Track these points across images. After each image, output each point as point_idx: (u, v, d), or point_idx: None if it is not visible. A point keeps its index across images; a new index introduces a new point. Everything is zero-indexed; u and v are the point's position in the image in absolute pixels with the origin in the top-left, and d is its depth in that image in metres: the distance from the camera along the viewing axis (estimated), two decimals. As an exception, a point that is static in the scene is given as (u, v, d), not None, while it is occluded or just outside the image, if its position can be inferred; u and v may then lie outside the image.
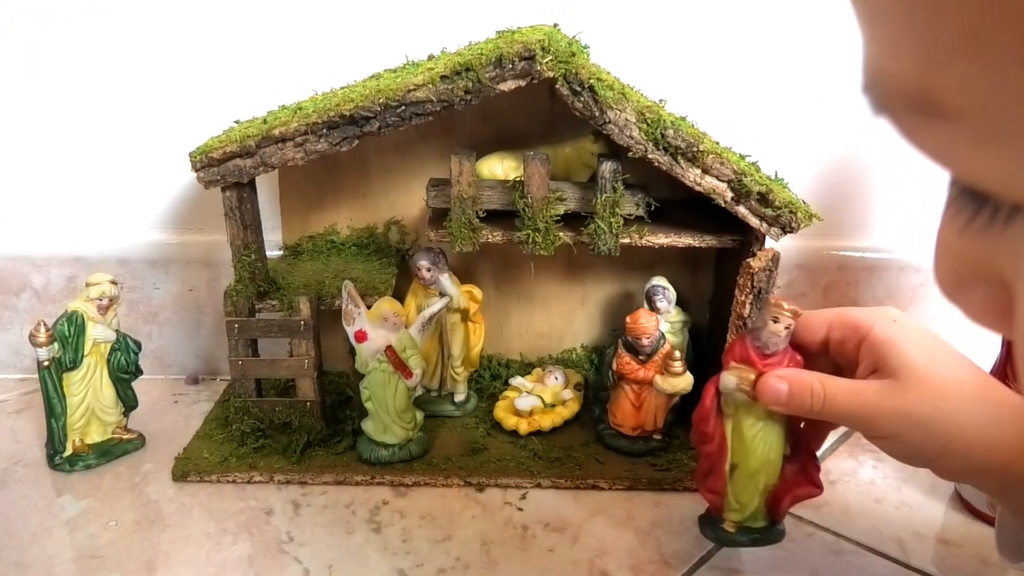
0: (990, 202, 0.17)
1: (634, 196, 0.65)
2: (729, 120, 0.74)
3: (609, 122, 0.60)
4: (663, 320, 0.71)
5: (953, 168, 0.16)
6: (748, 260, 0.65)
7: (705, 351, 0.78)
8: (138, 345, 0.71)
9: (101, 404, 0.70)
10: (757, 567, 0.59)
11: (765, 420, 0.53)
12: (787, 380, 0.49)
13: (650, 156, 0.61)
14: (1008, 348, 0.62)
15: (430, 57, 0.67)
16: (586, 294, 0.81)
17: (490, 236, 0.66)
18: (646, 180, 0.66)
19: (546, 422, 0.72)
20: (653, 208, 0.65)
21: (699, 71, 0.75)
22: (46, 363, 0.66)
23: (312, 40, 0.75)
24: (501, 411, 0.73)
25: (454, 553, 0.60)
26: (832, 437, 0.74)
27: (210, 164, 0.63)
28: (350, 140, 0.62)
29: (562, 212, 0.65)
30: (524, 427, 0.71)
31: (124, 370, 0.70)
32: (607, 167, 0.63)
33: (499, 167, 0.67)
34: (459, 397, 0.76)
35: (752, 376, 0.51)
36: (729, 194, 0.63)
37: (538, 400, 0.73)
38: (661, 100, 0.64)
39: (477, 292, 0.75)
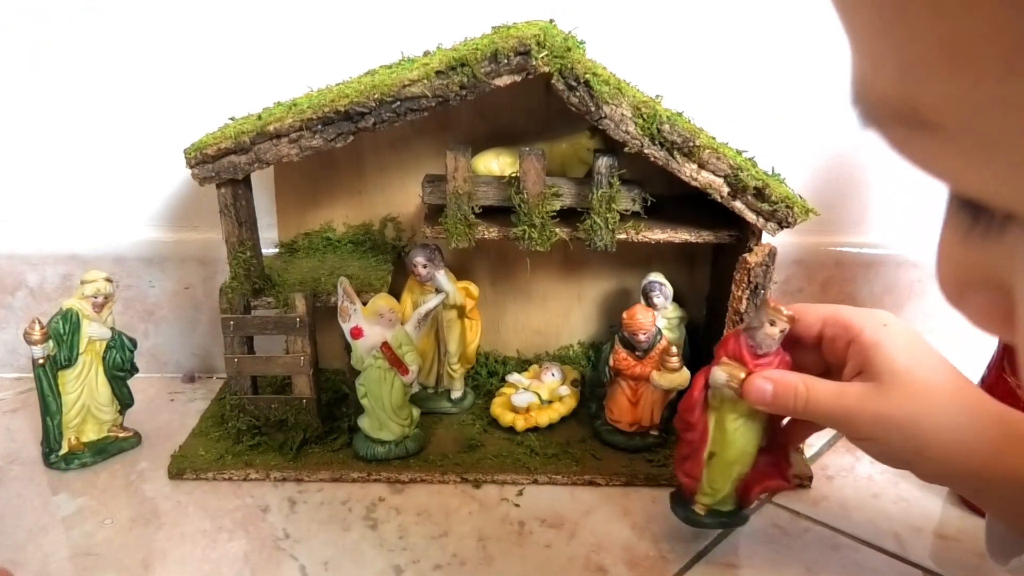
0: (984, 211, 0.17)
1: (630, 192, 0.65)
2: (727, 117, 0.74)
3: (605, 117, 0.60)
4: (660, 316, 0.71)
5: (942, 179, 0.16)
6: (745, 255, 0.65)
7: (702, 347, 0.77)
8: (133, 343, 0.70)
9: (97, 402, 0.69)
10: (754, 562, 0.59)
11: (747, 416, 0.54)
12: (772, 381, 0.51)
13: (646, 151, 0.61)
14: (1007, 350, 0.62)
15: (426, 53, 0.67)
16: (583, 290, 0.81)
17: (486, 232, 0.66)
18: (642, 176, 0.66)
19: (543, 418, 0.72)
20: (649, 204, 0.65)
21: (696, 67, 0.75)
22: (41, 361, 0.66)
23: (308, 37, 0.75)
24: (498, 407, 0.73)
25: (451, 549, 0.60)
26: (829, 433, 0.74)
27: (204, 161, 0.63)
28: (345, 136, 0.62)
29: (558, 208, 0.65)
30: (521, 423, 0.71)
31: (120, 368, 0.70)
32: (603, 162, 0.63)
33: (495, 163, 0.66)
34: (456, 394, 0.76)
35: (742, 374, 0.52)
36: (725, 189, 0.63)
37: (535, 396, 0.73)
38: (657, 96, 0.64)
39: (473, 288, 0.74)
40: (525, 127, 0.72)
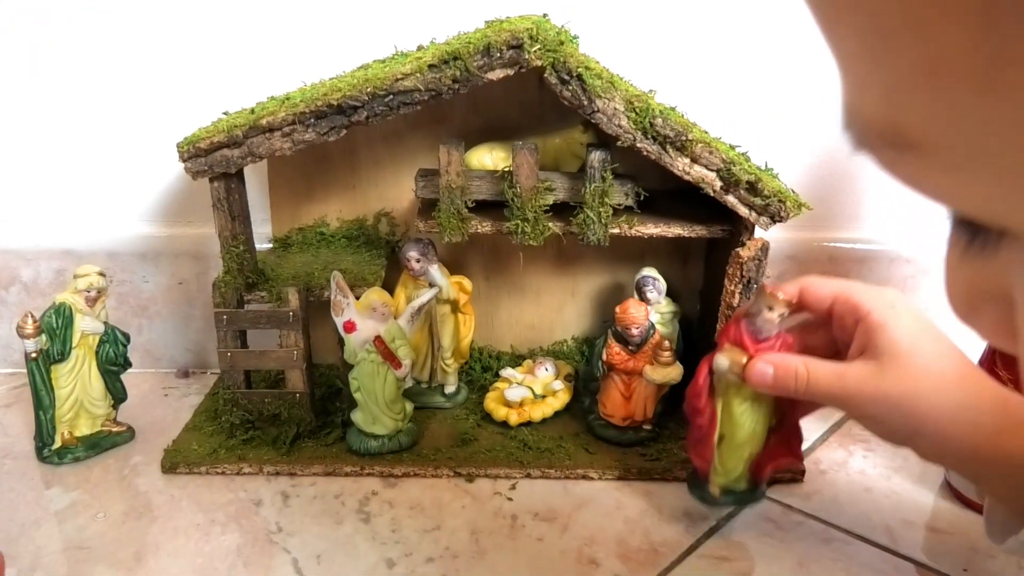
0: (979, 227, 0.18)
1: (623, 186, 0.65)
2: (721, 112, 0.74)
3: (597, 111, 0.60)
4: (653, 311, 0.71)
5: (932, 197, 0.17)
6: (737, 250, 0.65)
7: (695, 342, 0.78)
8: (127, 337, 0.70)
9: (90, 396, 0.69)
10: (746, 555, 0.59)
11: (753, 399, 0.56)
12: (773, 364, 0.52)
13: (639, 145, 0.61)
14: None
15: (419, 48, 0.67)
16: (577, 286, 0.81)
17: (479, 226, 0.66)
18: (635, 170, 0.66)
19: (536, 413, 0.72)
20: (642, 198, 0.65)
21: (690, 63, 0.75)
22: (34, 355, 0.66)
23: (301, 32, 0.75)
24: (491, 402, 0.73)
25: (443, 543, 0.60)
26: (822, 428, 0.75)
27: (197, 154, 0.63)
28: (338, 130, 0.62)
29: (551, 202, 0.65)
30: (514, 418, 0.71)
31: (112, 362, 0.70)
32: (596, 156, 0.63)
33: (488, 158, 0.66)
34: (449, 389, 0.76)
35: (743, 360, 0.53)
36: (718, 183, 0.63)
37: (528, 391, 0.73)
38: (651, 91, 0.64)
39: (467, 283, 0.74)
40: (518, 122, 0.72)
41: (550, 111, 0.69)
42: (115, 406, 0.72)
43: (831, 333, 0.54)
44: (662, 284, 0.72)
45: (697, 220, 0.67)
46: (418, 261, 0.70)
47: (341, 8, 0.74)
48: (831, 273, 0.82)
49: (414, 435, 0.69)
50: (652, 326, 0.69)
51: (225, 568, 0.57)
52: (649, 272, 0.72)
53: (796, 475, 0.68)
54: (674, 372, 0.68)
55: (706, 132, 0.64)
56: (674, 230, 0.66)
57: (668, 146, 0.61)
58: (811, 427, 0.59)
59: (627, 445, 0.70)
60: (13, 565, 0.57)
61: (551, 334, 0.83)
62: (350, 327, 0.65)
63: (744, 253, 0.64)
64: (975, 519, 0.63)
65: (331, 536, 0.60)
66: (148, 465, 0.69)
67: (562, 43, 0.59)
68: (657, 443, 0.70)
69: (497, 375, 0.78)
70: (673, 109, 0.64)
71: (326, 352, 0.77)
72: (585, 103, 0.60)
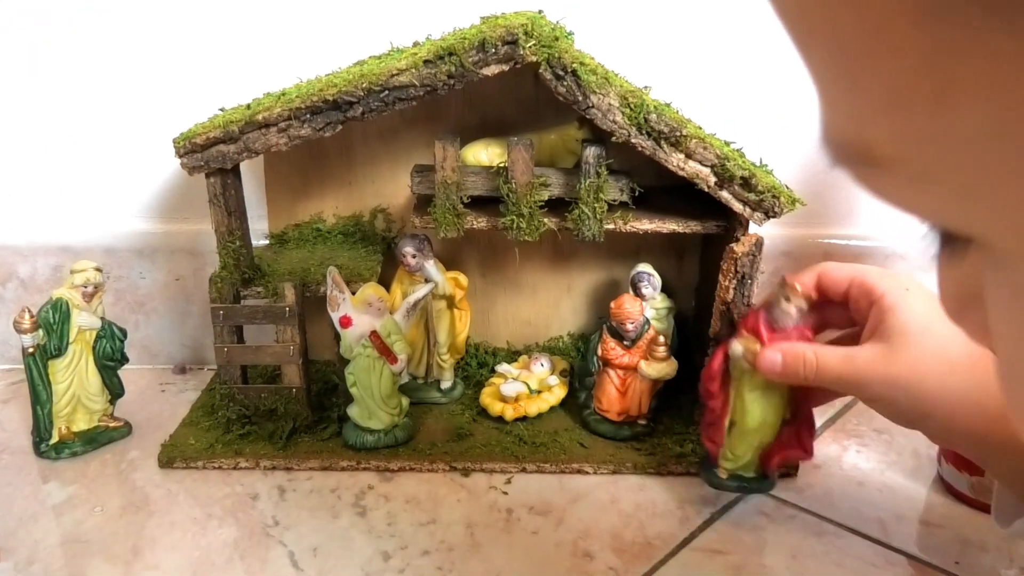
0: (950, 235, 0.19)
1: (618, 182, 0.65)
2: (715, 110, 0.74)
3: (592, 107, 0.60)
4: (648, 307, 0.72)
5: (900, 209, 0.18)
6: (731, 245, 0.65)
7: (690, 337, 0.78)
8: (123, 333, 0.71)
9: (87, 392, 0.70)
10: (739, 548, 0.60)
11: (764, 387, 0.57)
12: (782, 351, 0.53)
13: (633, 141, 0.61)
14: None
15: (415, 44, 0.67)
16: (572, 282, 0.81)
17: (475, 222, 0.66)
18: (630, 166, 0.66)
19: (532, 408, 0.72)
20: (637, 194, 0.66)
21: (684, 60, 0.76)
22: (31, 350, 0.66)
23: (298, 29, 0.75)
24: (487, 397, 0.73)
25: (439, 536, 0.60)
26: (817, 424, 0.75)
27: (193, 150, 0.63)
28: (333, 125, 0.62)
29: (546, 198, 0.65)
30: (510, 413, 0.72)
31: (109, 358, 0.70)
32: (591, 152, 0.63)
33: (484, 154, 0.67)
34: (445, 384, 0.77)
35: (757, 347, 0.55)
36: (712, 179, 0.63)
37: (524, 386, 0.73)
38: (646, 87, 0.64)
39: (462, 279, 0.75)
40: (514, 118, 0.72)
41: (546, 107, 0.69)
42: (112, 401, 0.72)
43: (849, 315, 0.55)
44: (657, 280, 0.73)
45: (692, 216, 0.67)
46: (414, 257, 0.71)
47: (337, 5, 0.74)
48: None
49: (410, 430, 0.70)
50: (647, 321, 0.70)
51: (222, 561, 0.57)
52: (644, 268, 0.73)
53: (790, 469, 0.68)
54: (669, 367, 0.68)
55: (700, 128, 0.64)
56: (669, 226, 0.67)
57: (662, 142, 0.62)
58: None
59: (622, 440, 0.70)
60: (11, 558, 0.57)
61: (547, 330, 0.83)
62: (346, 322, 0.65)
63: (738, 248, 0.65)
64: (967, 513, 0.64)
65: (327, 529, 0.61)
66: (145, 460, 0.69)
67: (557, 39, 0.60)
68: (652, 438, 0.71)
69: (493, 371, 0.78)
70: (668, 105, 0.64)
71: (322, 348, 0.77)
72: (580, 99, 0.60)
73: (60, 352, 0.67)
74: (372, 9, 0.74)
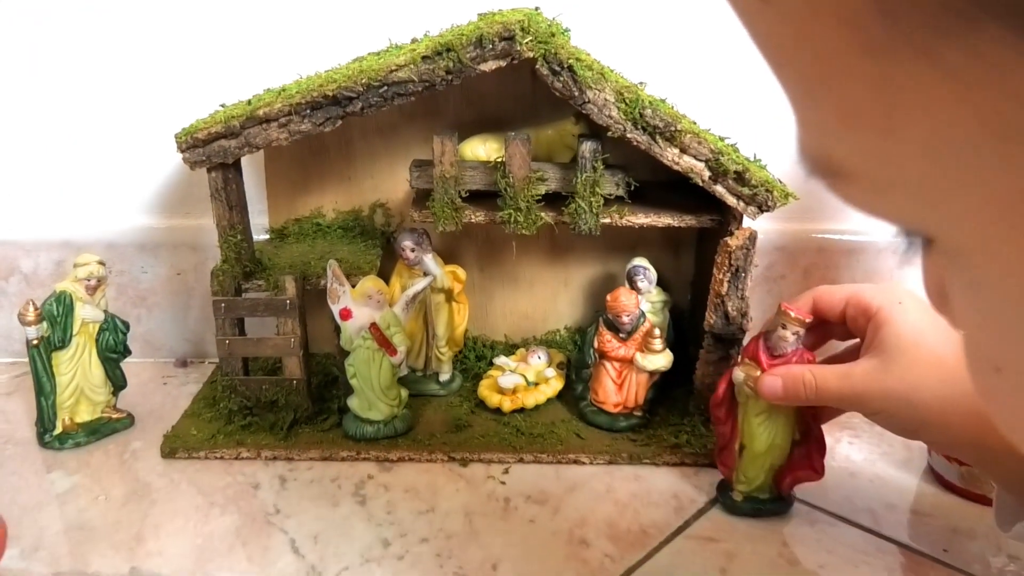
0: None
1: (614, 176, 0.66)
2: (710, 105, 0.75)
3: (588, 102, 0.61)
4: (644, 300, 0.73)
5: (867, 215, 0.20)
6: (726, 239, 0.66)
7: (686, 331, 0.79)
8: (126, 325, 0.72)
9: (90, 383, 0.71)
10: (733, 536, 0.61)
11: (769, 411, 0.59)
12: (780, 376, 0.55)
13: (629, 136, 0.62)
14: None
15: (413, 40, 0.68)
16: (569, 276, 0.82)
17: (473, 216, 0.67)
18: (626, 161, 0.67)
19: (529, 400, 0.73)
20: (633, 188, 0.67)
21: (680, 57, 0.77)
22: (35, 342, 0.67)
23: (298, 25, 0.76)
24: (485, 389, 0.74)
25: (437, 524, 0.61)
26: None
27: (195, 145, 0.64)
28: (333, 120, 0.63)
29: (543, 192, 0.66)
30: (508, 405, 0.73)
31: (112, 350, 0.71)
32: (587, 147, 0.64)
33: (482, 149, 0.68)
34: (444, 377, 0.78)
35: (757, 373, 0.57)
36: (706, 173, 0.64)
37: (521, 379, 0.74)
38: (641, 83, 0.65)
39: (461, 272, 0.76)
40: (512, 113, 0.73)
41: (543, 103, 0.70)
42: (115, 393, 0.73)
43: (848, 331, 0.57)
44: (653, 274, 0.74)
45: (687, 210, 0.68)
46: (413, 250, 0.72)
47: (336, 2, 0.75)
48: (820, 264, 0.84)
49: (409, 421, 0.71)
50: (642, 314, 0.71)
51: (224, 547, 0.59)
52: (640, 262, 0.74)
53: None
54: (664, 360, 0.69)
55: (695, 123, 0.65)
56: (664, 220, 0.68)
57: (657, 136, 0.63)
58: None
59: (618, 431, 0.71)
60: (16, 545, 0.58)
61: (544, 323, 0.84)
62: (346, 314, 0.66)
63: (732, 242, 0.66)
64: (956, 502, 0.65)
65: (328, 517, 0.62)
66: (148, 450, 0.70)
67: (553, 35, 0.61)
68: (647, 429, 0.72)
69: (491, 363, 0.79)
70: (663, 101, 0.65)
71: (323, 341, 0.78)
72: (576, 94, 0.61)
73: (64, 344, 0.68)
74: (371, 6, 0.75)
